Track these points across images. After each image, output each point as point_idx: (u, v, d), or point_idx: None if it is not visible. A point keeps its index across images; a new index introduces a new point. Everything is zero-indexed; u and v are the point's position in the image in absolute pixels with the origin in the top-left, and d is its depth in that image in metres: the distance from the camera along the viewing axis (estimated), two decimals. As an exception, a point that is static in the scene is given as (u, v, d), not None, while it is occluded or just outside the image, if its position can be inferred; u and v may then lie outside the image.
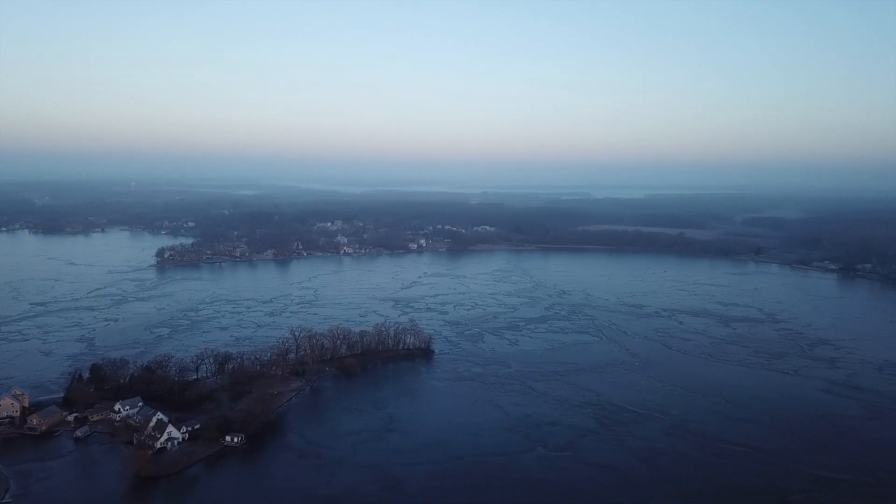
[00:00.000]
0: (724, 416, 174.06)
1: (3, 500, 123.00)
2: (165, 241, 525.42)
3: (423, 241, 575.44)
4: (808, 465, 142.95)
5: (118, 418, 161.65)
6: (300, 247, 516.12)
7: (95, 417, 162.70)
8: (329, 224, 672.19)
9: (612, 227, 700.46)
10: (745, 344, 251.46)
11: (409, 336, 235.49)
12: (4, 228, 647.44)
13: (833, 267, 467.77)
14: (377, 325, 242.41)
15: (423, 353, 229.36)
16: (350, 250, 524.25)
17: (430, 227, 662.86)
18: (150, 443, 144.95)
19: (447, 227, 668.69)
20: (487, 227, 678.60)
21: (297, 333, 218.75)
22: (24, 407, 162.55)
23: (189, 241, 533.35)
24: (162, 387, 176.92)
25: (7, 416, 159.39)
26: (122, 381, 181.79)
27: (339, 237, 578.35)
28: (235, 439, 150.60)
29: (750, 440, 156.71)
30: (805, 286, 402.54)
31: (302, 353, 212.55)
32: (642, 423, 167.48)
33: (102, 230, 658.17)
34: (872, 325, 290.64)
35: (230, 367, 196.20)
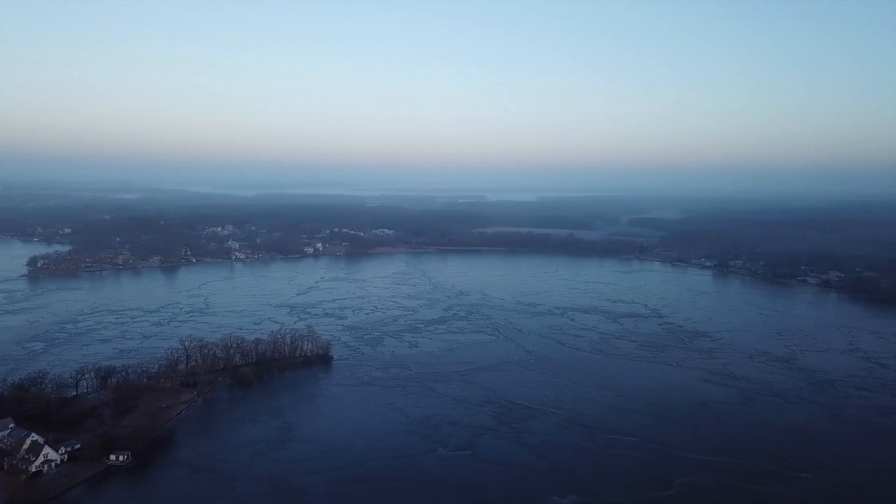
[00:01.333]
0: (614, 408, 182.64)
1: None
2: (39, 249, 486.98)
3: (319, 245, 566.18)
4: (689, 451, 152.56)
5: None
6: (188, 253, 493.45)
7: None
8: (219, 229, 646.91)
9: (507, 228, 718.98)
10: (632, 338, 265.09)
11: (306, 342, 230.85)
12: None
13: (709, 264, 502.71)
14: (273, 332, 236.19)
15: (322, 360, 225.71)
16: (242, 256, 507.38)
17: (327, 231, 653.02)
18: (24, 467, 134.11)
19: (344, 230, 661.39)
20: (386, 230, 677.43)
21: (187, 343, 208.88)
22: None
23: (66, 248, 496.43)
24: (36, 405, 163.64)
25: None
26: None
27: (230, 242, 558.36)
28: (121, 457, 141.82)
29: (638, 430, 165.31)
30: (684, 282, 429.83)
31: (193, 363, 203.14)
32: (538, 419, 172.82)
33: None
34: (743, 318, 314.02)
35: (114, 381, 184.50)
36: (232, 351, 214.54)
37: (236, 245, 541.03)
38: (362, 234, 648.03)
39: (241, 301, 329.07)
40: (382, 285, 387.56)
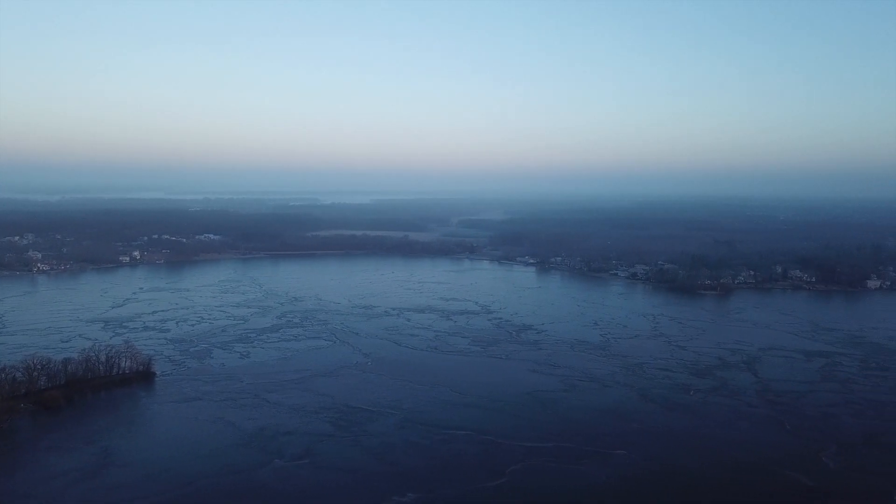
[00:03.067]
0: (449, 404, 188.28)
1: None
2: None
3: (137, 254, 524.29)
4: (519, 439, 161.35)
5: None
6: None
7: None
8: (17, 238, 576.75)
9: (342, 231, 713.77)
10: (465, 335, 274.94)
11: (124, 359, 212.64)
12: None
13: (532, 261, 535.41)
14: (84, 350, 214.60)
15: (143, 377, 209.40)
16: (46, 267, 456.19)
17: (146, 238, 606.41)
18: None
19: (165, 236, 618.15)
20: (211, 236, 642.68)
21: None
22: None
23: None
24: None
25: None
26: None
27: (30, 252, 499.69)
28: None
29: (472, 423, 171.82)
30: (511, 279, 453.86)
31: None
32: (376, 421, 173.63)
33: None
34: (564, 310, 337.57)
35: None
36: (36, 373, 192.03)
37: (38, 255, 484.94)
38: (185, 240, 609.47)
39: (46, 317, 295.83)
40: (209, 294, 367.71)
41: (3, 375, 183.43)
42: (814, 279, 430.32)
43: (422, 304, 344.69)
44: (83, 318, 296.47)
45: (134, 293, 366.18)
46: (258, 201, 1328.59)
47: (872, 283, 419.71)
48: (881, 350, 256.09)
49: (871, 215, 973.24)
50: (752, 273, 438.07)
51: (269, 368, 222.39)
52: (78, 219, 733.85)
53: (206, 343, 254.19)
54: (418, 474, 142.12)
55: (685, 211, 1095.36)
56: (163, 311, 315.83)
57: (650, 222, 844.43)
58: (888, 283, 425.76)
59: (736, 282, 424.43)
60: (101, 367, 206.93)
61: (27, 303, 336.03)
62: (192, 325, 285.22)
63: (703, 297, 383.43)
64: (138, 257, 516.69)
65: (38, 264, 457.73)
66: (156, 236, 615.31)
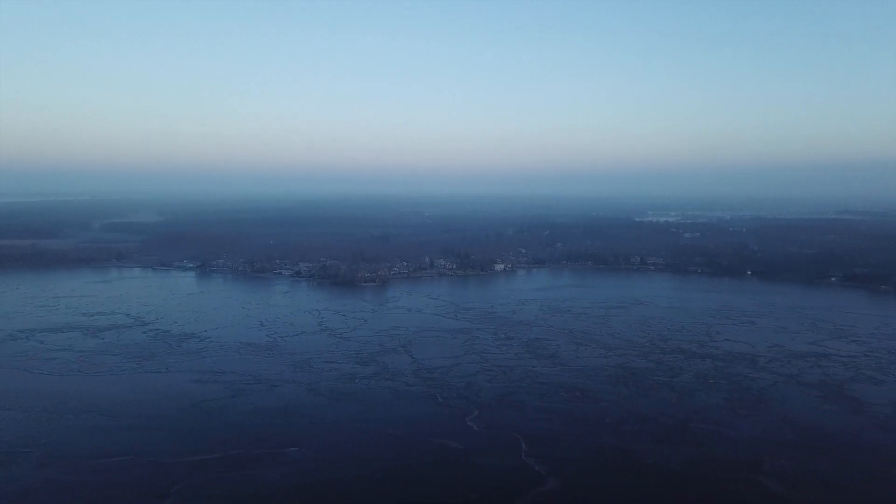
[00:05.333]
0: (101, 430, 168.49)
1: None
2: None
3: None
4: (184, 455, 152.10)
5: None
6: None
7: None
8: None
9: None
10: (116, 352, 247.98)
11: None
12: None
13: (191, 265, 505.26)
14: None
15: None
16: None
17: None
18: None
19: None
20: None
21: None
22: None
23: None
24: None
25: None
26: None
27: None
28: None
29: (129, 447, 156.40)
30: (168, 286, 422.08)
31: None
32: (9, 465, 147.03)
33: None
34: (228, 314, 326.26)
35: None
36: None
37: None
38: None
39: None
40: None
41: None
42: (454, 266, 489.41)
43: (59, 322, 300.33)
44: None
45: None
46: None
47: (498, 267, 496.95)
48: (506, 322, 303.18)
49: (496, 209, 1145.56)
50: (405, 264, 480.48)
51: None
52: None
53: None
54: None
55: (343, 209, 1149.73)
56: None
57: (311, 220, 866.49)
58: (510, 265, 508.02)
59: (392, 273, 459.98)
60: None
61: None
62: None
63: (363, 290, 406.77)
64: None
65: None
66: None
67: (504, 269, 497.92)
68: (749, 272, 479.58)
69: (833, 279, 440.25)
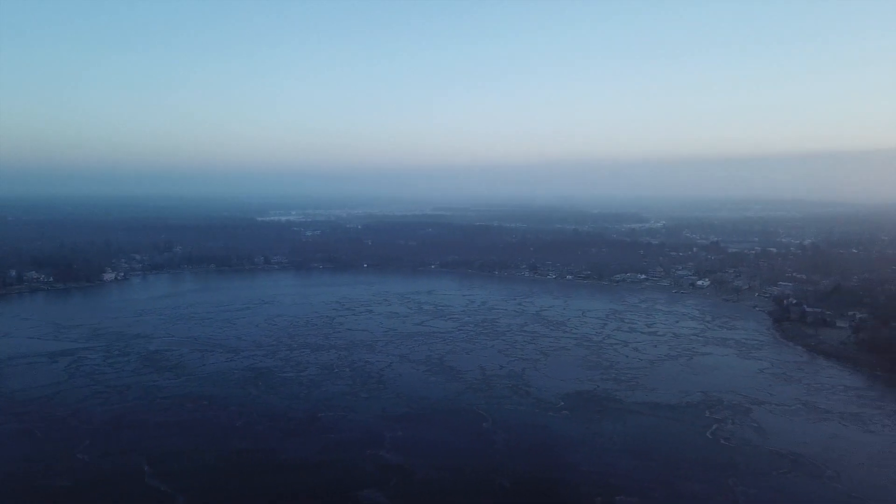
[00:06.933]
0: None
1: None
2: None
3: None
4: None
5: None
6: None
7: None
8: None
9: None
10: None
11: None
12: None
13: None
14: None
15: None
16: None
17: None
18: None
19: None
20: None
21: None
22: None
23: None
24: None
25: None
26: None
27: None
28: None
29: None
30: None
31: None
32: None
33: None
34: None
35: None
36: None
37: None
38: None
39: None
40: None
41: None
42: (52, 278, 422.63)
43: None
44: None
45: None
46: None
47: (108, 276, 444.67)
48: (121, 337, 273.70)
49: (102, 211, 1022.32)
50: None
51: None
52: None
53: None
54: None
55: None
56: None
57: None
58: (122, 273, 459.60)
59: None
60: None
61: None
62: None
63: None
64: None
65: None
66: None
67: (116, 277, 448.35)
68: (365, 265, 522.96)
69: (433, 266, 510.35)
